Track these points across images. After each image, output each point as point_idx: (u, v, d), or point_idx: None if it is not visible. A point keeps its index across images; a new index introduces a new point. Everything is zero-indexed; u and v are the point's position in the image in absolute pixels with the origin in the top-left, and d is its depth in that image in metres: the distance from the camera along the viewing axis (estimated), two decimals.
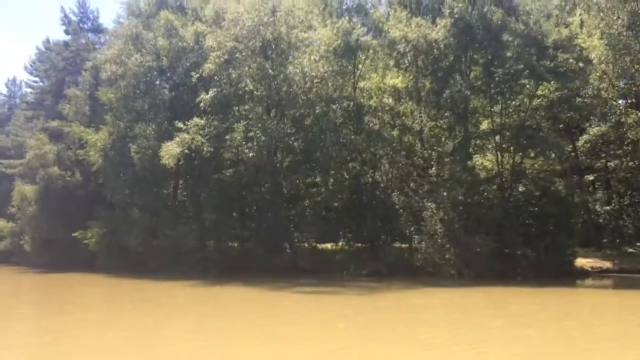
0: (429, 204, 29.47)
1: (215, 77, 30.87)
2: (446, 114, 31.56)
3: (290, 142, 30.10)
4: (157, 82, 39.31)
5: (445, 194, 29.07)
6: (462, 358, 12.93)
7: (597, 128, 34.52)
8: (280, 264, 34.97)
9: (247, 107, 31.23)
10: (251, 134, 29.84)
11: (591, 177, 37.81)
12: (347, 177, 31.30)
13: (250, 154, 29.59)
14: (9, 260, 56.12)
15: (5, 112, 68.77)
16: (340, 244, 36.31)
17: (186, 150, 29.94)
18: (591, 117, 34.81)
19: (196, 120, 30.50)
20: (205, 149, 30.15)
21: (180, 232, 34.86)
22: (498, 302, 22.09)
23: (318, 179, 31.73)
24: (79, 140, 42.66)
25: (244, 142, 29.80)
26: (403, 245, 32.86)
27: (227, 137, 29.96)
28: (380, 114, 32.13)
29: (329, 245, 37.42)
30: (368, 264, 31.42)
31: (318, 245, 36.80)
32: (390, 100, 32.92)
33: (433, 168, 30.64)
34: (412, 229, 31.27)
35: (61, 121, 46.70)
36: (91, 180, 44.97)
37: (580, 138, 35.77)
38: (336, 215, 33.71)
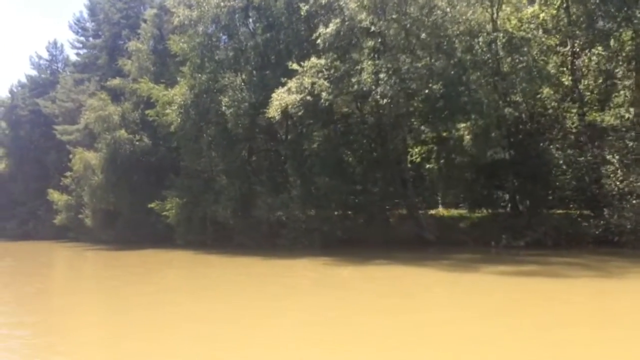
0: (610, 156, 23.54)
1: (341, 3, 24.74)
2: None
3: (429, 84, 24.10)
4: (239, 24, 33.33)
5: (631, 144, 23.11)
6: None
7: None
8: (398, 234, 29.58)
9: (370, 43, 25.26)
10: (381, 75, 23.94)
11: None
12: (499, 126, 25.30)
13: (384, 101, 23.67)
14: (65, 236, 51.79)
15: (49, 78, 63.63)
16: (464, 210, 30.77)
17: (308, 97, 24.10)
18: None
19: (314, 60, 24.58)
20: (324, 95, 24.27)
21: (283, 200, 29.43)
22: None
23: (461, 131, 25.68)
24: (148, 99, 37.15)
25: (373, 87, 23.88)
26: (559, 211, 27.00)
27: (354, 80, 24.03)
28: (525, 48, 25.91)
29: (445, 211, 31.98)
30: (524, 233, 25.70)
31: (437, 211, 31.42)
32: (540, 32, 26.74)
33: (607, 112, 24.51)
34: (574, 188, 25.43)
35: (122, 79, 41.33)
36: (160, 145, 39.68)
37: None
38: (475, 175, 27.86)
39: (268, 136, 33.76)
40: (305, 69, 24.59)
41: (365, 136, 28.41)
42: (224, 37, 32.94)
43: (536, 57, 26.20)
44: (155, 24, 40.46)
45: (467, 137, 25.24)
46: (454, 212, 31.42)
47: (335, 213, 30.68)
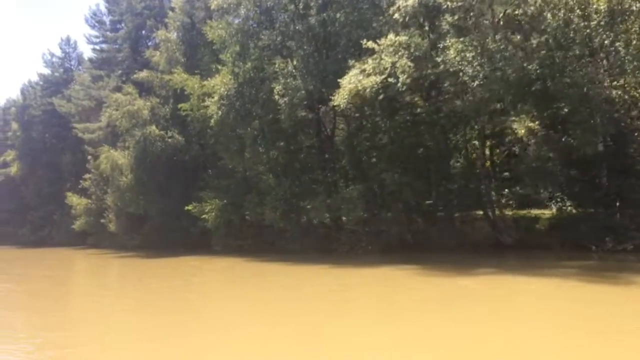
0: None
1: None
2: None
3: (525, 66, 20.83)
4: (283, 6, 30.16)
5: None
6: None
7: None
8: (470, 237, 26.35)
9: (452, 18, 21.98)
10: (468, 54, 20.71)
11: None
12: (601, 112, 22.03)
13: (474, 83, 20.46)
14: (84, 242, 48.61)
15: (62, 76, 60.49)
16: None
17: (390, 79, 20.84)
18: None
19: (391, 37, 21.34)
20: (402, 78, 21.01)
21: (343, 200, 26.24)
22: None
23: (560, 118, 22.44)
24: (181, 92, 33.99)
25: (461, 67, 20.67)
26: None
27: (439, 59, 20.81)
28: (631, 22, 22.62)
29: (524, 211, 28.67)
30: (629, 235, 22.42)
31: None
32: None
33: None
34: None
35: (150, 71, 38.20)
36: (193, 142, 36.50)
37: None
38: (565, 170, 24.59)
39: (315, 130, 30.46)
40: (382, 47, 21.32)
41: (438, 126, 25.11)
42: (267, 21, 29.65)
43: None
44: (186, 11, 37.31)
45: (560, 126, 22.00)
46: (533, 212, 28.13)
47: (405, 214, 27.43)
